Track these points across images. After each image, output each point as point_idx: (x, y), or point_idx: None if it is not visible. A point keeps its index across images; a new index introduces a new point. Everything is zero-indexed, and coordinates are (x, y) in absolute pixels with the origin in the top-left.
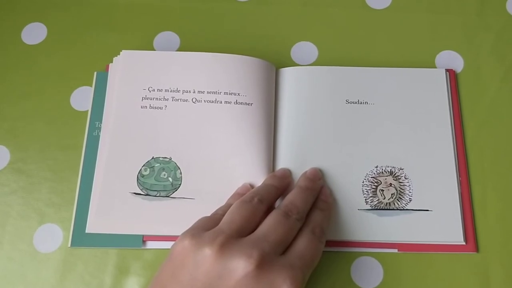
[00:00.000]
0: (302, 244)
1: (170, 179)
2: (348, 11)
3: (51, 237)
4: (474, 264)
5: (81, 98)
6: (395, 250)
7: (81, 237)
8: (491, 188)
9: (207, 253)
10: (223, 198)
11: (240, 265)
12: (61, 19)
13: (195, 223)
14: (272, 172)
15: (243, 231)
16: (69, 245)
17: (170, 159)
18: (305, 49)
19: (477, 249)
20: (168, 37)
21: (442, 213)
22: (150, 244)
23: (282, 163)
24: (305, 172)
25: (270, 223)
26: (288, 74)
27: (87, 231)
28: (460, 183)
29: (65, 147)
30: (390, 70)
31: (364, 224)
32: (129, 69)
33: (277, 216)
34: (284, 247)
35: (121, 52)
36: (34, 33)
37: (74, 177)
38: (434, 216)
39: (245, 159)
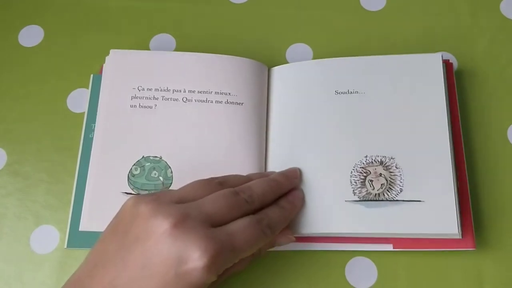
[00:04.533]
0: (238, 225)
1: (161, 178)
2: (343, 13)
3: (48, 238)
4: (471, 263)
5: (78, 100)
6: (390, 246)
7: (77, 238)
8: (482, 190)
9: (142, 209)
10: None
11: (159, 223)
12: (58, 22)
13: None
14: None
15: (187, 199)
16: (65, 246)
17: (161, 158)
18: (299, 51)
19: (475, 245)
20: (164, 39)
21: (435, 203)
22: None
23: (274, 161)
24: (284, 170)
25: (213, 195)
26: (278, 73)
27: (80, 229)
28: (456, 176)
29: (61, 149)
30: (381, 58)
31: (351, 216)
32: (117, 68)
33: (224, 191)
34: (217, 222)
35: (109, 51)
36: (30, 36)
37: (70, 179)
38: (426, 207)
39: (236, 159)
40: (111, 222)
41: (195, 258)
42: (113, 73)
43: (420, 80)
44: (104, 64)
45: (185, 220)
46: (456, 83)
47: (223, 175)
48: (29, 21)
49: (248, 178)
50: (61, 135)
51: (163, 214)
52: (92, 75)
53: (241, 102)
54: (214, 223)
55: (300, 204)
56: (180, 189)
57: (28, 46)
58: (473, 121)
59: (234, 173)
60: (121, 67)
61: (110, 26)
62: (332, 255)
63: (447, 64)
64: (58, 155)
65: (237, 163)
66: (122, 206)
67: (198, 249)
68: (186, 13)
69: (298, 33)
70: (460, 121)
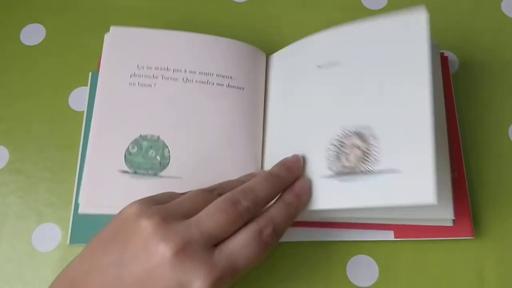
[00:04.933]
0: (239, 242)
1: (158, 157)
2: (344, 11)
3: (49, 236)
4: (473, 254)
5: (80, 99)
6: (391, 233)
7: (79, 235)
8: (483, 188)
9: (143, 225)
10: (212, 177)
11: (160, 249)
12: (60, 21)
13: (158, 194)
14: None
15: (188, 215)
16: (67, 243)
17: (158, 137)
18: None
19: (473, 234)
20: None
21: (412, 174)
22: None
23: (271, 147)
24: (285, 158)
25: (211, 208)
26: (274, 59)
27: (79, 212)
28: (451, 167)
29: (63, 147)
30: (360, 25)
31: (326, 192)
32: (117, 45)
33: (222, 203)
34: (219, 238)
35: (110, 28)
36: (33, 34)
37: (72, 177)
38: (402, 178)
39: (234, 141)
40: (111, 224)
41: (196, 287)
42: (112, 49)
43: (402, 44)
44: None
45: (187, 247)
46: (457, 81)
47: (220, 157)
48: (31, 20)
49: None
50: (63, 134)
51: (164, 239)
52: (90, 73)
53: (242, 86)
54: (215, 241)
55: (307, 198)
56: (181, 200)
57: (30, 44)
58: (474, 118)
59: (231, 155)
60: (121, 44)
61: (112, 24)
62: (333, 251)
63: (442, 58)
64: (60, 154)
65: (234, 147)
66: (123, 210)
67: (198, 278)
68: (187, 11)
69: (298, 32)
70: (456, 111)
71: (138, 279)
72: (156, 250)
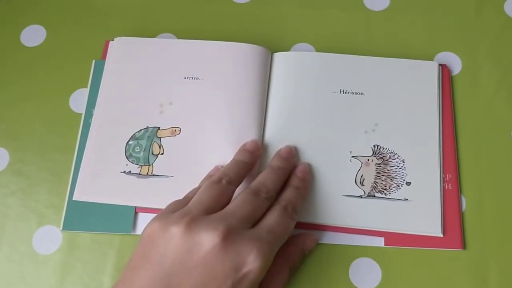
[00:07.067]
0: (271, 219)
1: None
2: (346, 12)
3: (50, 238)
4: (469, 263)
5: (80, 100)
6: (381, 240)
7: (72, 222)
8: (486, 189)
9: (175, 231)
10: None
11: (207, 238)
12: (60, 22)
13: (165, 207)
14: (243, 145)
15: (211, 210)
16: (60, 229)
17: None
18: (303, 51)
19: (463, 246)
20: (167, 38)
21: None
22: (142, 217)
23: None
24: (279, 150)
25: (238, 201)
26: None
27: (73, 198)
28: (442, 178)
29: (63, 149)
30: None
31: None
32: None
33: (246, 195)
34: (252, 222)
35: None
36: (33, 35)
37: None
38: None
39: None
40: (137, 249)
41: (251, 261)
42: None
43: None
44: (108, 49)
45: (231, 230)
46: (459, 83)
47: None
48: (32, 21)
49: (244, 164)
50: (63, 135)
51: (207, 229)
52: (94, 61)
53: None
54: (250, 223)
55: (310, 178)
56: (195, 198)
57: (31, 46)
58: (476, 120)
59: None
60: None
61: (113, 25)
62: (336, 254)
63: (443, 69)
64: (60, 155)
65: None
66: (145, 230)
67: (251, 252)
68: (188, 12)
69: (301, 33)
70: (454, 124)
71: (193, 282)
72: (203, 243)
